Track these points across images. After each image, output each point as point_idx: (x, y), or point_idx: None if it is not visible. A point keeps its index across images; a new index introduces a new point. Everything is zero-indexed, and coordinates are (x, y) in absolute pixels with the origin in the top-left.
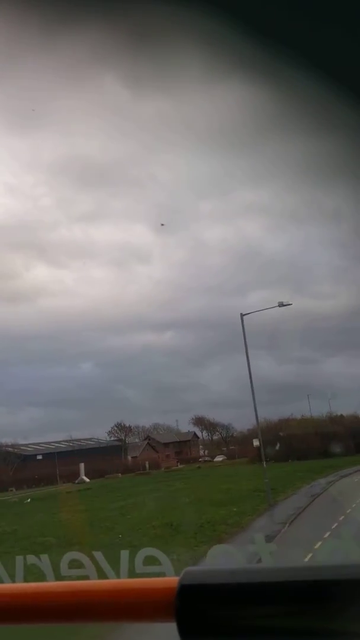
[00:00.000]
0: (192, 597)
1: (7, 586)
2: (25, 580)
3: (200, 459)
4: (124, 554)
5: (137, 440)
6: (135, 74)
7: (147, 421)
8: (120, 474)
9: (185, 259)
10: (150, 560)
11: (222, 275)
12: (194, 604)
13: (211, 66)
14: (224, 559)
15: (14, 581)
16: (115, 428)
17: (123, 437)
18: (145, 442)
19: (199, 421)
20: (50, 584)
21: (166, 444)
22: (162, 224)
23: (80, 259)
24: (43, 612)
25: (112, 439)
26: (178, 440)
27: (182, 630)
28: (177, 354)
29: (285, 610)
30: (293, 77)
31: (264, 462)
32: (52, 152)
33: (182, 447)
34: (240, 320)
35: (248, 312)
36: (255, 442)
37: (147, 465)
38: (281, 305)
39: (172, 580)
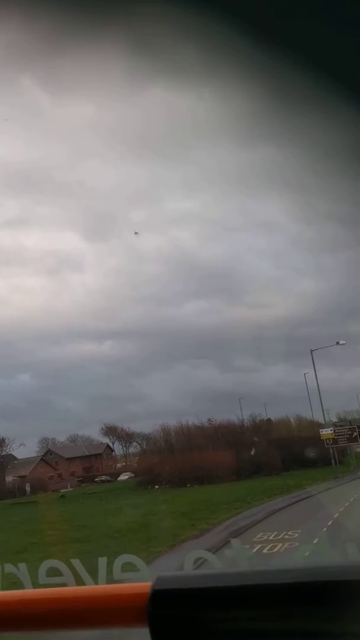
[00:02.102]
0: (164, 602)
1: None
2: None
3: (97, 479)
4: (102, 561)
5: (34, 454)
6: (54, 78)
7: (88, 432)
8: None
9: (119, 267)
10: (128, 567)
11: (157, 285)
12: (166, 609)
13: (134, 72)
14: (200, 564)
15: None
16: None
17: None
18: (39, 457)
19: (111, 431)
20: (25, 592)
21: (70, 459)
22: (136, 232)
23: (9, 267)
24: (18, 620)
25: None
26: (88, 454)
27: (154, 636)
28: (118, 363)
29: (258, 614)
30: (225, 87)
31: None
32: None
33: (92, 462)
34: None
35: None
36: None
37: (27, 488)
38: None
39: (144, 585)
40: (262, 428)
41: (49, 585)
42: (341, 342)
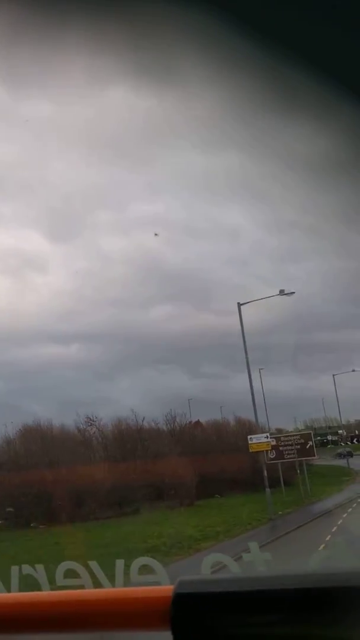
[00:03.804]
0: (187, 605)
1: (2, 595)
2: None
3: None
4: (119, 564)
5: None
6: (12, 74)
7: None
8: None
9: (84, 269)
10: (145, 570)
11: (123, 288)
12: (189, 612)
13: (95, 72)
14: (218, 568)
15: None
16: None
17: None
18: None
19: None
20: (46, 594)
21: None
22: (156, 234)
23: None
24: (39, 621)
25: None
26: None
27: (177, 639)
28: (85, 367)
29: (281, 618)
30: (187, 91)
31: None
32: None
33: None
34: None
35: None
36: None
37: None
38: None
39: (167, 589)
40: (187, 433)
41: (66, 587)
42: None
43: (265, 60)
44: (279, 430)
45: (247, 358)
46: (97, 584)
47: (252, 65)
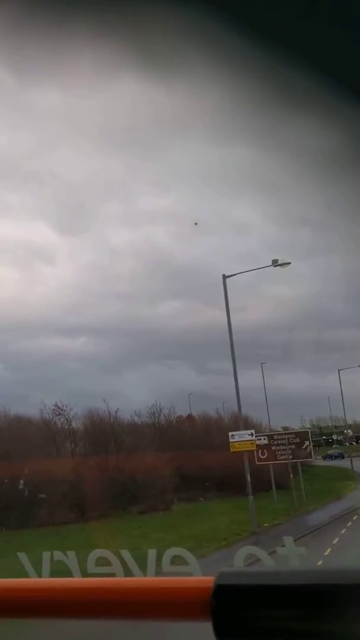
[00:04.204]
0: (228, 597)
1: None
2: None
3: None
4: (152, 553)
5: None
6: (20, 63)
7: None
8: None
9: (92, 262)
10: (177, 560)
11: (132, 282)
12: (230, 604)
13: (105, 61)
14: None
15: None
16: None
17: None
18: None
19: None
20: (83, 580)
21: None
22: (196, 223)
23: None
24: (83, 607)
25: None
26: None
27: (217, 630)
28: (92, 360)
29: (322, 613)
30: (199, 83)
31: None
32: None
33: None
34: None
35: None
36: None
37: None
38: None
39: (207, 579)
40: (173, 428)
41: (98, 575)
42: None
43: (269, 53)
44: (285, 429)
45: (231, 339)
46: None
47: (254, 60)
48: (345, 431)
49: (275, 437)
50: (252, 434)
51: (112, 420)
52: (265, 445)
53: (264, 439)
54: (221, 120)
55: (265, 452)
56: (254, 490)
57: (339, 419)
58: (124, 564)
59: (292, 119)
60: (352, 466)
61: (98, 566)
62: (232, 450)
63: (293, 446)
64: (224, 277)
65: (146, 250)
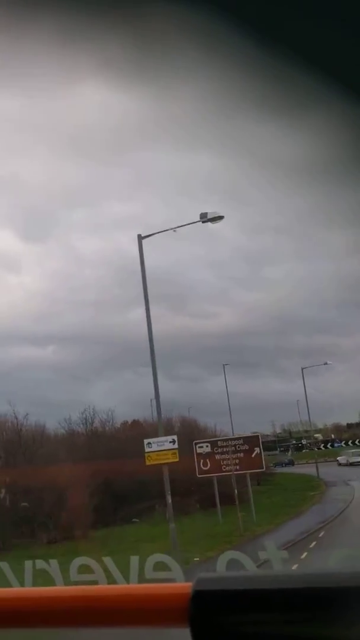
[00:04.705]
0: (206, 603)
1: (23, 590)
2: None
3: None
4: (134, 560)
5: None
6: None
7: None
8: None
9: (59, 270)
10: (160, 567)
11: (100, 290)
12: (208, 610)
13: (68, 65)
14: (234, 566)
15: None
16: None
17: None
18: None
19: None
20: (64, 589)
21: None
22: (174, 230)
23: None
24: (56, 616)
25: None
26: None
27: (195, 636)
28: (61, 369)
29: (302, 617)
30: (162, 89)
31: None
32: None
33: None
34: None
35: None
36: None
37: None
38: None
39: (185, 586)
40: (105, 436)
41: (80, 583)
42: None
43: (234, 60)
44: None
45: (149, 324)
46: None
47: (221, 66)
48: (314, 435)
49: (219, 443)
50: (173, 441)
51: (19, 428)
52: (208, 454)
53: (207, 446)
54: (189, 127)
55: (208, 463)
56: (196, 508)
57: (308, 424)
58: (106, 570)
59: (260, 125)
60: (317, 473)
61: (80, 574)
62: (147, 463)
63: (241, 454)
64: (140, 237)
65: (112, 256)
